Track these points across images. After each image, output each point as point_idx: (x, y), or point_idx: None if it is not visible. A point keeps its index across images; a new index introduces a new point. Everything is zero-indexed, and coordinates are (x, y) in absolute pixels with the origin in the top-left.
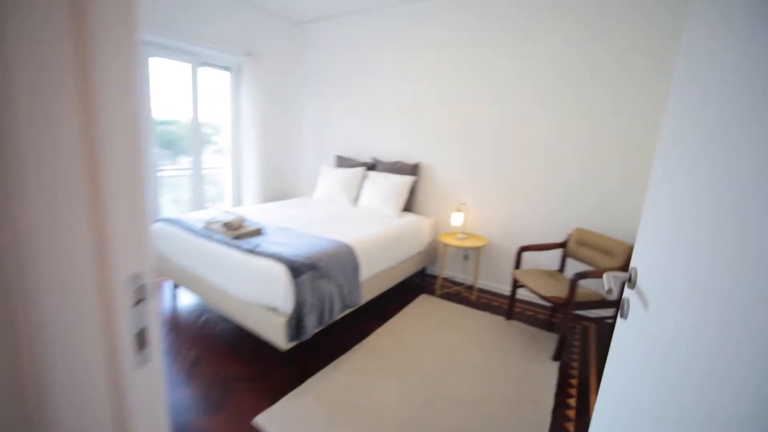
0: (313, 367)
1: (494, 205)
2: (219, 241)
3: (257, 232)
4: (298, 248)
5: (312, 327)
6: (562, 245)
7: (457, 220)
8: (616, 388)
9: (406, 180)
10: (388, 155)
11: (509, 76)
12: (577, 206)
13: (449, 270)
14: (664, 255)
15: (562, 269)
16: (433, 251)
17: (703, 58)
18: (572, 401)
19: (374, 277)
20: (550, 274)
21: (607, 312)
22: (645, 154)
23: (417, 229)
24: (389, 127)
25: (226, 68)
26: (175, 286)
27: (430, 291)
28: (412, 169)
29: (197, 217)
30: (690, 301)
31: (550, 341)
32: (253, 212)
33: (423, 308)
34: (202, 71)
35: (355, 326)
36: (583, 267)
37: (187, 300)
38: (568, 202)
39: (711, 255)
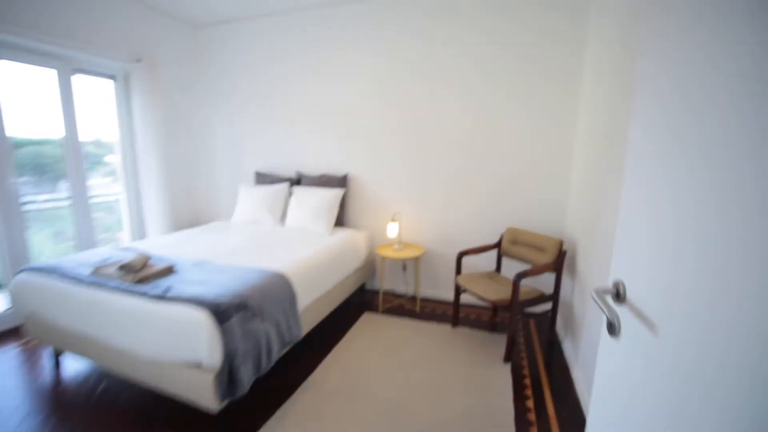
0: (255, 422)
1: (428, 212)
2: (115, 288)
3: (168, 271)
4: (221, 286)
5: (248, 378)
6: (497, 246)
7: (392, 230)
8: (614, 413)
9: (336, 193)
10: (314, 168)
11: (431, 79)
12: (507, 206)
13: (389, 283)
14: (653, 264)
15: (498, 269)
16: (371, 265)
17: (674, 51)
18: (530, 402)
19: (313, 304)
20: (489, 275)
21: (545, 306)
22: (565, 150)
23: (352, 244)
24: (312, 137)
25: (110, 76)
26: (57, 354)
27: (373, 308)
28: (341, 181)
29: (84, 260)
30: (701, 317)
31: (497, 342)
32: (161, 245)
33: (368, 328)
34: (78, 79)
35: (297, 362)
36: (517, 265)
37: (75, 367)
38: (498, 202)
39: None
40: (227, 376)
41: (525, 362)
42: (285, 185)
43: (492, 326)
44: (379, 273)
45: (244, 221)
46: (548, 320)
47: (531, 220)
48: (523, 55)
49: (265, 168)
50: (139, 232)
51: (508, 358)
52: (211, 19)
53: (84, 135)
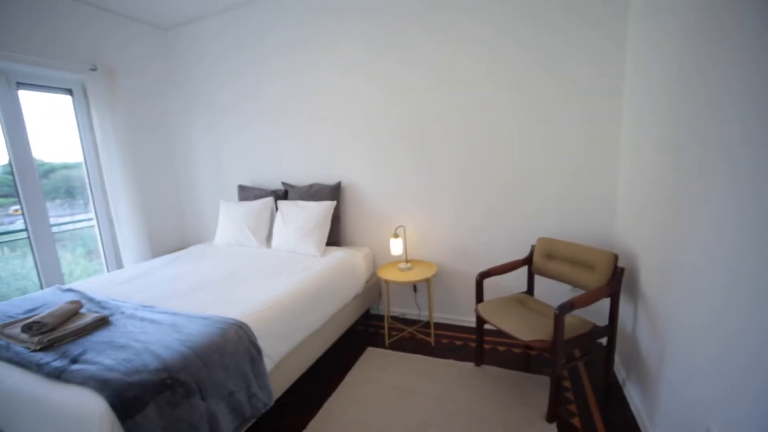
0: None
1: (440, 223)
2: (10, 359)
3: (98, 324)
4: (147, 351)
5: None
6: (527, 261)
7: (396, 248)
8: None
9: (327, 206)
10: (302, 178)
11: (439, 67)
12: (536, 211)
13: (399, 306)
14: None
15: (531, 290)
16: (375, 288)
17: None
18: None
19: (294, 352)
20: (519, 301)
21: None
22: (607, 141)
23: (349, 268)
24: (299, 142)
25: (66, 90)
26: None
27: (378, 341)
28: (333, 192)
29: (11, 308)
30: None
31: (536, 390)
32: (119, 281)
33: (371, 370)
34: (25, 96)
35: (272, 426)
36: (554, 285)
37: None
38: (527, 207)
39: None
40: None
41: (577, 421)
42: (269, 200)
43: (526, 362)
44: (384, 297)
45: (226, 243)
46: (603, 358)
47: (568, 228)
48: (552, 38)
49: (249, 181)
50: (116, 262)
51: (552, 417)
52: (177, 19)
53: (41, 155)
